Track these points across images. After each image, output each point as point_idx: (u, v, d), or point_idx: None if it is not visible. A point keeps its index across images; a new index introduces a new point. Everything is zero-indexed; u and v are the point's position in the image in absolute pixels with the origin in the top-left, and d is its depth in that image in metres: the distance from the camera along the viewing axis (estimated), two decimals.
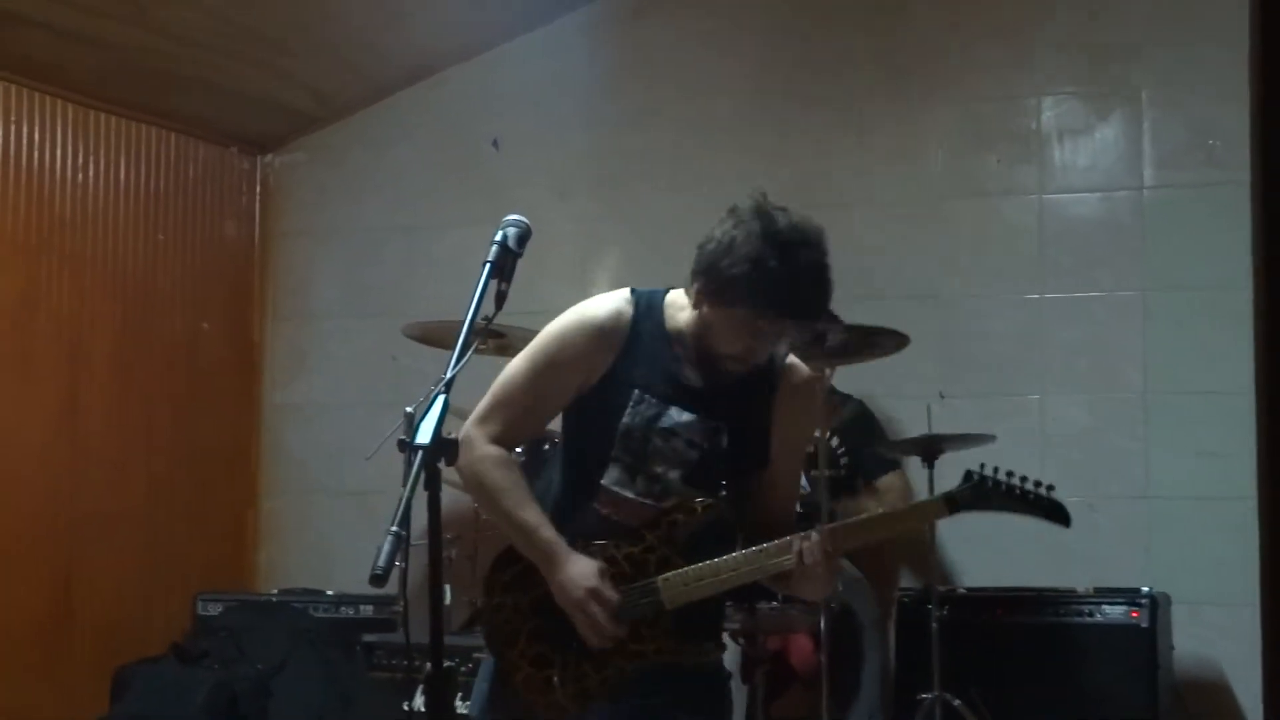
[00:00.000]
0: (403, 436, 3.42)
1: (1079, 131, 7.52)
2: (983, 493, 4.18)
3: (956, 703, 6.34)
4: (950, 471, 6.73)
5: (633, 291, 4.25)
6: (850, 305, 6.83)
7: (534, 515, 4.10)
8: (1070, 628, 6.61)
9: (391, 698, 6.63)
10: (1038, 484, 4.22)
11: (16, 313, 7.35)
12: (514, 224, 3.85)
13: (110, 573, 7.76)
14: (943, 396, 7.28)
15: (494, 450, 4.17)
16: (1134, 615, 6.51)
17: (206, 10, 7.31)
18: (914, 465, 6.84)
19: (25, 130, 7.40)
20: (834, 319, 6.81)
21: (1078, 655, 6.55)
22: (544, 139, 8.29)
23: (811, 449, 6.79)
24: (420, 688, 3.62)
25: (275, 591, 7.97)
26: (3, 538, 7.24)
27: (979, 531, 7.37)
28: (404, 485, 3.32)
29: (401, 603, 6.23)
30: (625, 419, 4.14)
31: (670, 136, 8.12)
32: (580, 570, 4.09)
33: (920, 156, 7.74)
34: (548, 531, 4.12)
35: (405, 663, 6.61)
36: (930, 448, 6.52)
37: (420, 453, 3.36)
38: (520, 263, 3.84)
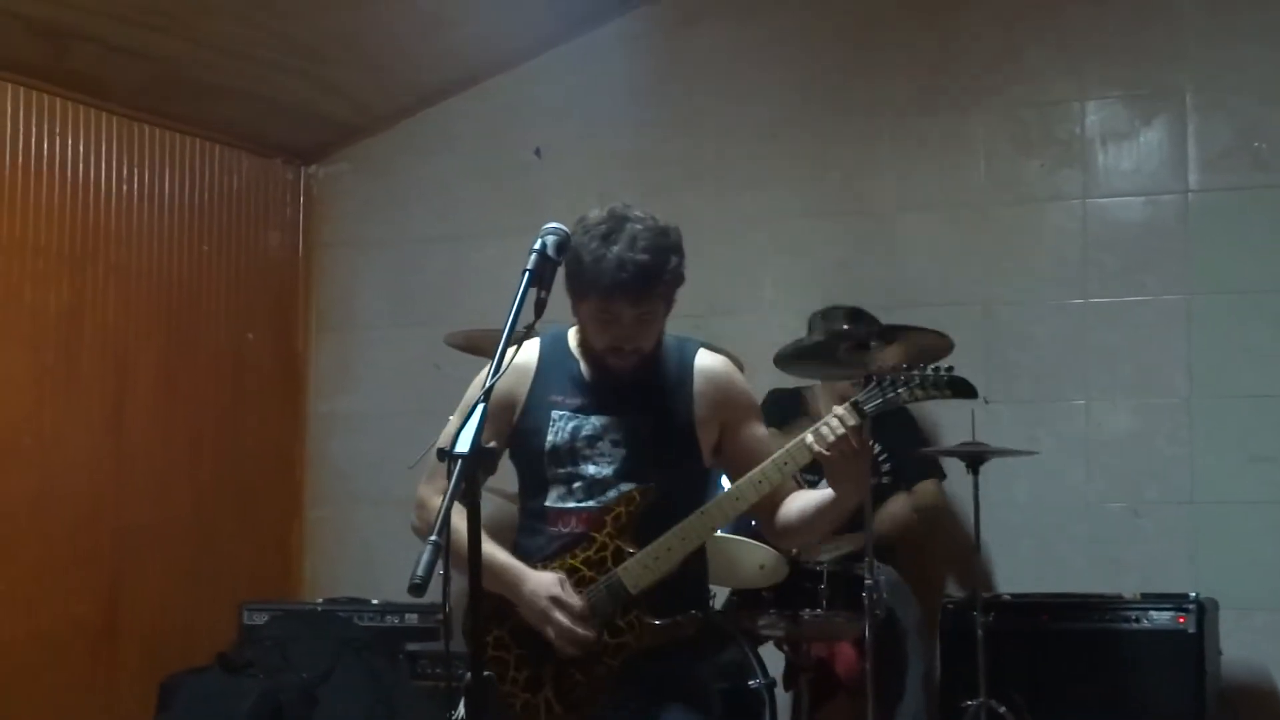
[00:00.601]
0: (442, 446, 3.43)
1: (1123, 135, 7.47)
2: (883, 389, 4.31)
3: (1002, 709, 6.30)
4: (996, 477, 6.77)
5: (540, 334, 4.40)
6: (893, 311, 6.85)
7: (489, 545, 4.14)
8: (1116, 634, 6.56)
9: (436, 707, 6.64)
10: (935, 368, 4.37)
11: (62, 324, 7.37)
12: (553, 232, 3.91)
13: (156, 583, 7.78)
14: (987, 402, 7.23)
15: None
16: (1181, 621, 6.46)
17: (249, 22, 7.33)
18: (958, 472, 6.80)
19: (70, 143, 7.43)
20: (869, 319, 6.83)
21: (1124, 661, 6.50)
22: (586, 147, 8.29)
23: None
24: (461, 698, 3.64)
25: (320, 601, 7.99)
26: (49, 548, 7.27)
27: (1024, 538, 7.37)
28: (443, 495, 3.33)
29: (445, 611, 6.22)
30: (549, 438, 4.36)
31: (713, 144, 8.11)
32: (539, 582, 4.27)
33: (964, 162, 7.71)
34: (503, 555, 4.31)
35: (448, 671, 6.61)
36: (974, 455, 6.49)
37: (459, 462, 3.37)
38: (563, 270, 3.87)
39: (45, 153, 7.30)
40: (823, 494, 4.40)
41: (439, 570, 3.29)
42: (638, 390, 4.40)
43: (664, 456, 4.38)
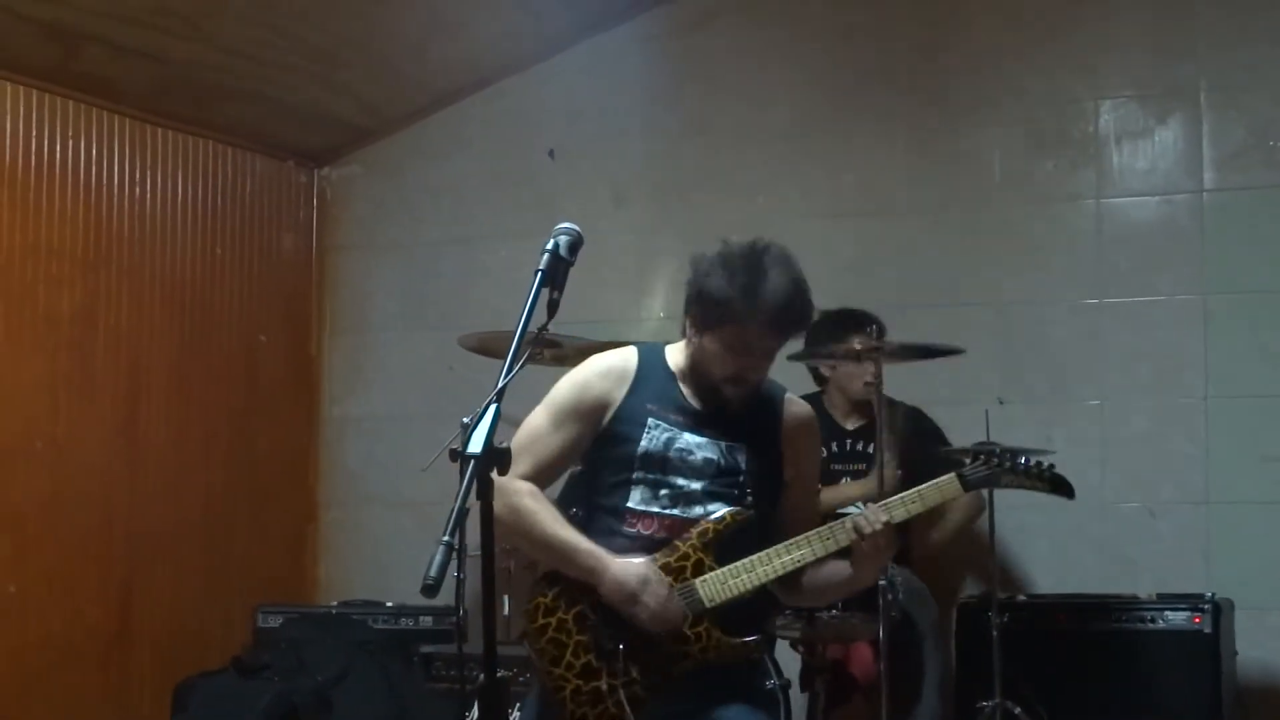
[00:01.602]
0: (455, 446, 3.42)
1: (1137, 134, 7.46)
2: (991, 472, 4.65)
3: (1018, 710, 6.30)
4: None
5: (636, 344, 4.60)
6: (908, 312, 6.85)
7: (572, 533, 4.34)
8: (1132, 634, 6.56)
9: (451, 709, 6.64)
10: (1039, 463, 4.79)
11: (75, 328, 7.37)
12: (565, 232, 3.90)
13: (170, 586, 7.78)
14: (1001, 403, 7.24)
15: (525, 484, 4.39)
16: (1196, 621, 6.46)
17: (261, 24, 7.33)
18: None
19: (82, 146, 7.43)
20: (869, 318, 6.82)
21: (1140, 662, 6.50)
22: (600, 149, 8.29)
23: (865, 467, 6.82)
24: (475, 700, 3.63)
25: (335, 603, 7.98)
26: (63, 552, 7.27)
27: (1039, 539, 7.36)
28: (457, 496, 3.33)
29: (459, 613, 6.23)
30: (643, 443, 4.42)
31: (727, 145, 8.11)
32: (628, 565, 4.32)
33: (978, 162, 7.70)
34: (588, 543, 4.34)
35: (461, 673, 6.61)
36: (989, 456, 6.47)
37: (472, 462, 3.36)
38: (578, 273, 3.88)
39: (57, 156, 7.30)
40: (842, 570, 4.53)
41: (452, 571, 3.28)
42: (733, 417, 4.50)
43: (754, 483, 4.47)
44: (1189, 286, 7.30)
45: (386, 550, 8.36)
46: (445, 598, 3.31)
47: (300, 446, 8.75)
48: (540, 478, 4.45)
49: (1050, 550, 7.38)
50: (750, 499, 4.43)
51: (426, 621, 7.49)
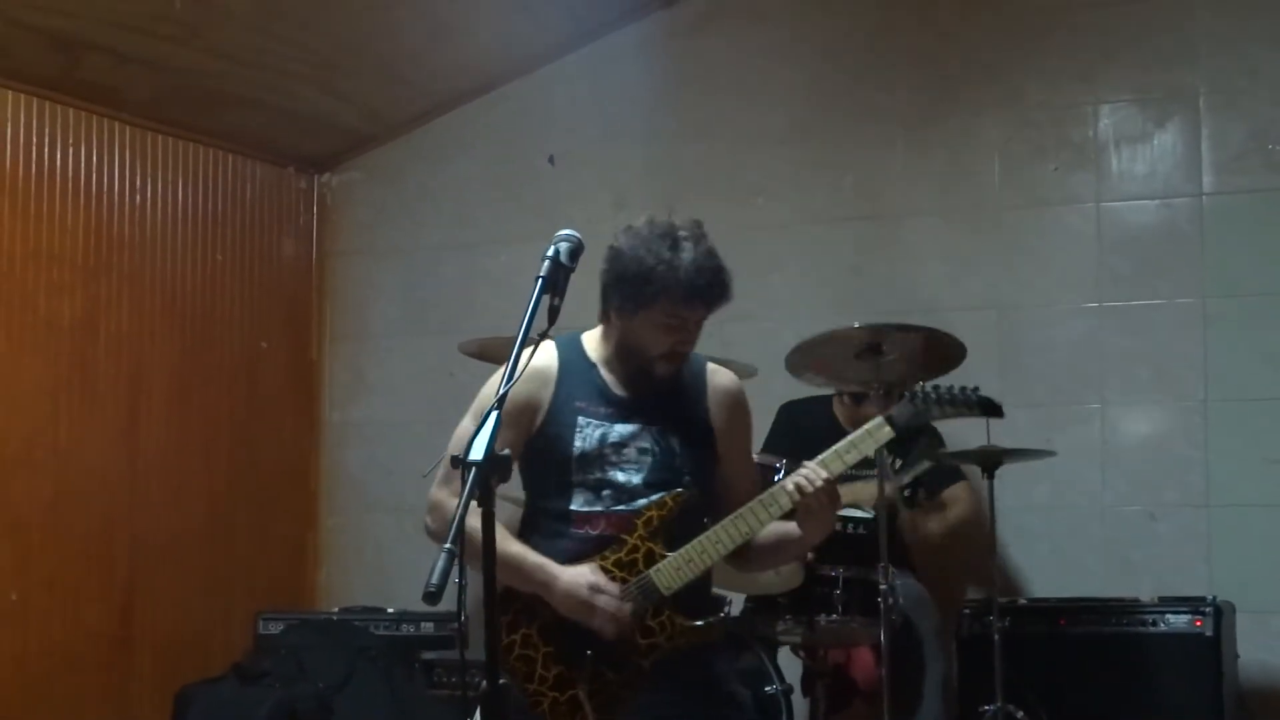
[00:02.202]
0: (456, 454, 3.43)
1: (1136, 138, 7.46)
2: (917, 406, 4.64)
3: (1019, 714, 6.31)
4: (1012, 482, 6.78)
5: (553, 338, 4.40)
6: (908, 316, 6.83)
7: (518, 546, 4.33)
8: (1134, 637, 6.56)
9: (452, 715, 6.65)
10: (964, 388, 4.77)
11: (77, 334, 7.39)
12: (566, 239, 3.92)
13: (171, 593, 7.79)
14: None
15: None
16: (1198, 624, 6.45)
17: (261, 31, 7.34)
18: (974, 476, 6.80)
19: (83, 153, 7.45)
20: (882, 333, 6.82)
21: (1141, 665, 6.50)
22: (600, 153, 8.30)
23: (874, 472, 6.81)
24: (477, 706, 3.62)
25: (336, 610, 7.98)
26: (64, 558, 7.29)
27: (1040, 542, 7.36)
28: (458, 502, 3.34)
29: (460, 620, 6.23)
30: (577, 444, 4.41)
31: (726, 149, 8.11)
32: (576, 573, 4.32)
33: (977, 166, 7.70)
34: (534, 555, 4.35)
35: (463, 680, 6.61)
36: (989, 459, 6.48)
37: (474, 469, 3.36)
38: (578, 278, 3.90)
39: (59, 163, 7.32)
40: (789, 531, 4.51)
41: (454, 578, 3.28)
42: (660, 399, 4.49)
43: (690, 463, 4.47)
44: (1188, 290, 7.30)
45: (387, 556, 8.36)
46: (447, 604, 3.31)
47: (301, 452, 8.75)
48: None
49: (1051, 554, 7.38)
50: (689, 479, 4.43)
51: (428, 628, 7.49)
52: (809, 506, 4.37)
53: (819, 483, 4.35)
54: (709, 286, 4.36)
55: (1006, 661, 6.32)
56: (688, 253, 4.33)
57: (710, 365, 4.67)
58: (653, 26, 8.25)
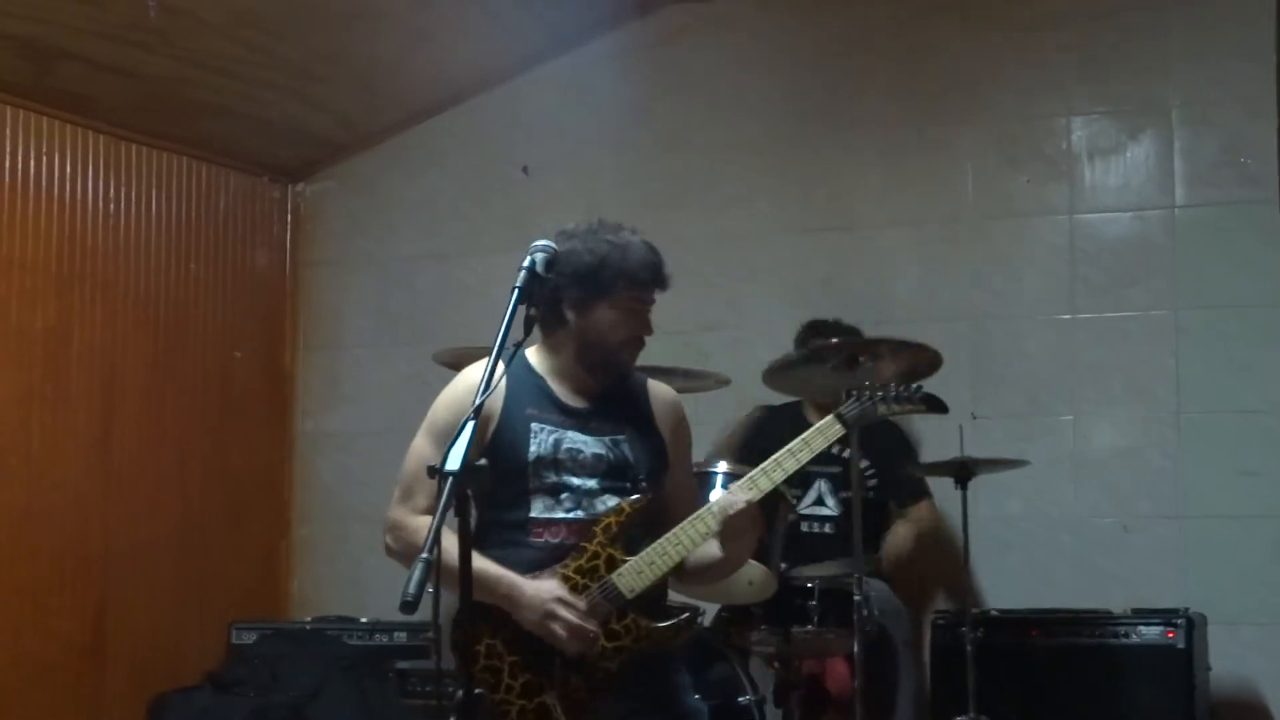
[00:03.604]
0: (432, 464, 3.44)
1: (1109, 150, 7.49)
2: (864, 403, 4.73)
3: None
4: (984, 493, 6.79)
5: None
6: (881, 327, 6.86)
7: (480, 559, 4.22)
8: (1106, 649, 6.57)
9: None
10: (909, 386, 4.82)
11: (49, 343, 7.36)
12: (542, 249, 3.97)
13: (144, 602, 7.76)
14: (975, 417, 7.26)
15: (423, 519, 4.39)
16: (1170, 635, 6.47)
17: (236, 40, 7.32)
18: (946, 487, 6.80)
19: (56, 162, 7.43)
20: (852, 331, 6.85)
21: (1113, 676, 6.51)
22: (574, 164, 8.29)
23: (840, 469, 6.81)
24: (452, 716, 3.62)
25: (309, 619, 7.97)
26: (37, 567, 7.26)
27: (1013, 553, 7.37)
28: (433, 513, 3.34)
29: (435, 629, 6.23)
30: (533, 449, 4.43)
31: (701, 160, 8.12)
32: (540, 587, 4.33)
33: (951, 177, 7.72)
34: (495, 567, 4.33)
35: (438, 689, 6.60)
36: (963, 470, 6.49)
37: (450, 479, 3.37)
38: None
39: (32, 171, 7.30)
40: (712, 553, 4.56)
41: (429, 588, 3.29)
42: (609, 408, 4.56)
43: (644, 468, 4.52)
44: (1161, 301, 7.33)
45: (360, 565, 8.33)
46: (421, 613, 3.31)
47: (274, 461, 8.73)
48: (432, 509, 4.31)
49: (1024, 565, 7.39)
50: (645, 484, 4.49)
51: (401, 637, 7.49)
52: (731, 530, 4.42)
53: (740, 506, 4.39)
54: (660, 265, 4.50)
55: (979, 672, 6.32)
56: (632, 238, 4.49)
57: (650, 380, 4.75)
58: (627, 37, 8.25)
